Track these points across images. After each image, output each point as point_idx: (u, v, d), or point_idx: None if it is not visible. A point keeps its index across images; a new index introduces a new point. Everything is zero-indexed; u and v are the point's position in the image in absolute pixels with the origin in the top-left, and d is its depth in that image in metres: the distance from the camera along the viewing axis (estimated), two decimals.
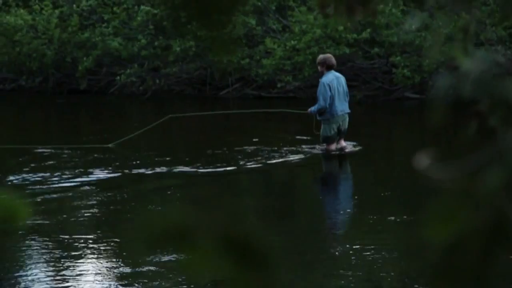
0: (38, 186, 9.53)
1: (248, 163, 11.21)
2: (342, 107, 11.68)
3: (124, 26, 20.08)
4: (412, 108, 17.58)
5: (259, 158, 11.55)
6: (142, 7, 19.47)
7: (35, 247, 6.85)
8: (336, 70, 18.95)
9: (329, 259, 6.66)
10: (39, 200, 8.77)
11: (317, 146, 12.08)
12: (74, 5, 20.45)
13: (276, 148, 12.17)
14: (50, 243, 7.01)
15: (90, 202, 8.82)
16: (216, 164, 11.08)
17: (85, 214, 8.30)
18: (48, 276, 6.06)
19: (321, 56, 11.96)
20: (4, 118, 17.97)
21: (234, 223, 1.05)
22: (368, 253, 6.73)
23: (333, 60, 11.72)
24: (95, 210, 8.51)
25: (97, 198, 9.02)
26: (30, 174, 10.21)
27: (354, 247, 6.88)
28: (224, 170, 10.77)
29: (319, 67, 11.72)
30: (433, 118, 1.31)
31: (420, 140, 13.40)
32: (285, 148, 12.21)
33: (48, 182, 9.80)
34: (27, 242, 7.01)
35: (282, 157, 11.88)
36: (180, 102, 18.66)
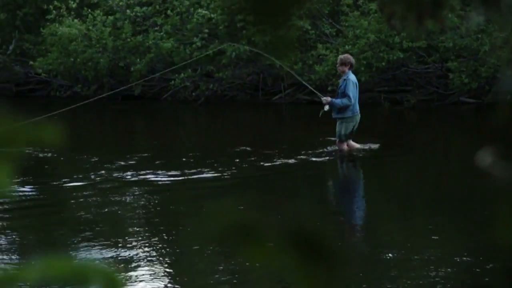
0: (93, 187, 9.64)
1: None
2: (358, 106, 12.08)
3: (177, 31, 20.22)
4: (468, 112, 17.32)
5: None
6: (198, 9, 19.54)
7: (89, 248, 6.89)
8: (392, 75, 18.83)
9: (385, 263, 6.58)
10: (95, 199, 8.87)
11: (328, 148, 12.23)
12: (128, 11, 20.68)
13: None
14: (106, 244, 7.05)
15: (146, 203, 8.88)
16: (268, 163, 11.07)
17: (141, 216, 8.34)
18: None
19: (344, 56, 12.21)
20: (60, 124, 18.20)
21: (299, 220, 1.03)
22: (426, 257, 6.63)
23: (353, 60, 12.21)
24: (151, 211, 8.55)
25: (152, 199, 9.07)
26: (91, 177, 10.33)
27: (413, 253, 6.78)
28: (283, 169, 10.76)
29: (342, 67, 11.94)
30: (498, 118, 1.25)
31: (476, 145, 13.18)
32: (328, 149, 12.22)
33: (104, 184, 9.90)
34: (83, 245, 7.07)
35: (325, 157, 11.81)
36: (233, 108, 18.72)
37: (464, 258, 6.63)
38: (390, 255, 6.67)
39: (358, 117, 12.00)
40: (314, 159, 12.11)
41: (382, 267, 6.43)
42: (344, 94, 11.81)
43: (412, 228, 7.83)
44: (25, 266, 0.97)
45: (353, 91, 11.77)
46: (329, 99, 12.01)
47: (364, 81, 18.21)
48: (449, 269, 6.38)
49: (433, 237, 7.34)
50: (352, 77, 11.92)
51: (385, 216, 8.52)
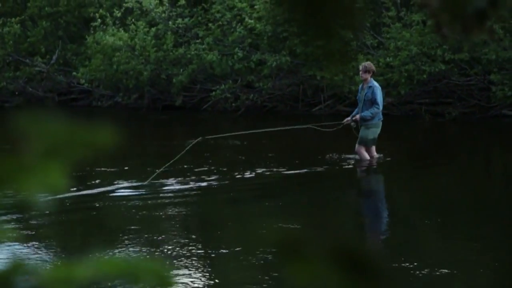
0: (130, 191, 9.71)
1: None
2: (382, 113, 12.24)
3: (218, 43, 20.32)
4: (510, 125, 17.11)
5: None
6: (246, 19, 19.58)
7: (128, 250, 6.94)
8: (433, 87, 18.66)
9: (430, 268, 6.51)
10: (137, 204, 8.93)
11: (352, 156, 12.28)
12: (170, 22, 20.85)
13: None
14: (145, 250, 7.09)
15: (186, 209, 8.91)
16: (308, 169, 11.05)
17: (181, 222, 8.37)
18: None
19: (367, 63, 12.27)
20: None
21: (343, 236, 1.02)
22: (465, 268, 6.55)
23: (375, 68, 12.35)
24: (191, 216, 8.58)
25: (191, 204, 9.11)
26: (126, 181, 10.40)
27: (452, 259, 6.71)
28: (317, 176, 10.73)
29: (365, 74, 11.99)
30: None
31: None
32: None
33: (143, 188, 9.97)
34: (123, 248, 7.11)
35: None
36: (272, 119, 18.71)
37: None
38: (434, 270, 6.60)
39: (381, 123, 12.19)
40: (354, 171, 12.05)
41: (427, 283, 6.36)
42: (372, 102, 11.95)
43: (453, 242, 7.75)
44: (77, 264, 0.98)
45: (380, 98, 11.97)
46: (357, 117, 12.14)
47: (404, 93, 18.12)
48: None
49: (475, 250, 7.25)
50: (377, 84, 12.12)
51: (426, 230, 8.43)
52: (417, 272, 6.52)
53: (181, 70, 20.44)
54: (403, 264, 6.71)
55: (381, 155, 12.52)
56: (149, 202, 9.62)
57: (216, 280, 6.28)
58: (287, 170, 11.61)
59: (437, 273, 6.53)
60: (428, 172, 11.99)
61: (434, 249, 7.40)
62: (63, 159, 0.87)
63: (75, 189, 10.22)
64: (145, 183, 10.50)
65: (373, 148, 12.28)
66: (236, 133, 13.64)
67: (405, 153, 14.03)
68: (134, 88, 21.31)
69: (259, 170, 11.53)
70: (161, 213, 8.91)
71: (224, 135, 13.09)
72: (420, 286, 6.26)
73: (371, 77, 12.00)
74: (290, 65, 19.33)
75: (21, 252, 6.97)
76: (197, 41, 20.48)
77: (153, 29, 20.89)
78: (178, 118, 20.05)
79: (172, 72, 20.65)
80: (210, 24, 20.44)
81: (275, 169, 11.71)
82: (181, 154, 11.22)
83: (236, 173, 11.34)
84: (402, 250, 7.31)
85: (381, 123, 12.13)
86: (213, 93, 20.15)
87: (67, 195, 10.07)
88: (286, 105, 20.14)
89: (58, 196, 9.53)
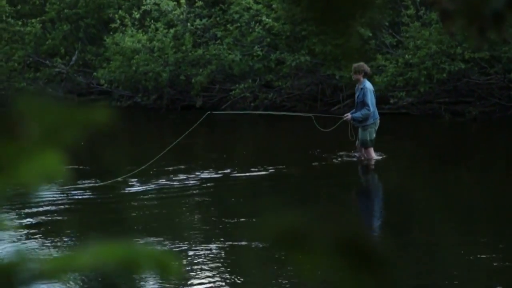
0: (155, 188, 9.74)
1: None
2: (377, 112, 12.24)
3: (236, 43, 20.33)
4: None
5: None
6: (264, 18, 19.57)
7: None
8: (453, 86, 18.63)
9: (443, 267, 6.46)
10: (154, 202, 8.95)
11: (354, 154, 12.28)
12: (188, 24, 20.88)
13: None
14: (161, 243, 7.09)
15: (203, 203, 8.92)
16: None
17: (199, 216, 8.38)
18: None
19: (358, 64, 12.14)
20: (121, 133, 18.47)
21: (347, 227, 1.01)
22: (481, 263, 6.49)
23: (368, 68, 12.28)
24: (209, 210, 8.58)
25: (206, 198, 9.11)
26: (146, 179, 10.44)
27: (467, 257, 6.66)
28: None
29: (356, 75, 12.01)
30: None
31: None
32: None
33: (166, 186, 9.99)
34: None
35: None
36: (290, 119, 18.68)
37: None
38: (453, 271, 6.55)
39: (378, 121, 12.14)
40: (372, 169, 12.00)
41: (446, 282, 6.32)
42: (363, 103, 11.93)
43: (472, 241, 7.68)
44: (78, 252, 0.97)
45: (371, 99, 11.92)
46: (349, 116, 12.17)
47: (423, 91, 18.02)
48: None
49: (494, 249, 7.19)
50: (368, 85, 12.04)
51: (444, 230, 8.37)
52: (437, 275, 6.47)
53: (200, 70, 20.47)
54: (421, 263, 6.67)
55: (379, 153, 12.42)
56: (164, 193, 9.69)
57: (236, 274, 6.27)
58: (296, 165, 11.65)
59: (454, 273, 6.48)
60: (447, 171, 11.91)
61: (450, 248, 7.35)
62: (60, 140, 0.86)
63: (93, 181, 10.29)
64: (160, 179, 10.53)
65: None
66: (243, 112, 13.82)
67: (425, 152, 13.96)
68: (153, 89, 21.36)
69: (268, 165, 11.63)
70: (176, 208, 8.92)
71: (231, 112, 13.23)
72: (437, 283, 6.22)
73: (363, 77, 11.92)
74: (309, 65, 19.29)
75: (32, 242, 7.00)
76: (216, 42, 20.49)
77: (172, 30, 20.93)
78: (197, 118, 20.07)
79: (191, 72, 20.67)
80: (228, 25, 20.44)
81: (283, 163, 11.73)
82: (188, 131, 11.43)
83: (252, 173, 11.35)
84: (417, 249, 7.26)
85: (377, 123, 12.09)
86: (232, 92, 20.16)
87: (81, 185, 10.14)
88: (305, 104, 20.10)
89: (70, 187, 9.58)
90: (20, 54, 23.18)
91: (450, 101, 18.55)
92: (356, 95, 12.17)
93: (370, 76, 16.04)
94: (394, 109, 18.57)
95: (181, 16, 21.02)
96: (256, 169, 11.70)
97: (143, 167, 10.74)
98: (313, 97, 20.05)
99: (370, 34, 18.64)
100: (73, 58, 23.44)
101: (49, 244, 7.16)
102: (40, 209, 8.59)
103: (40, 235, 7.55)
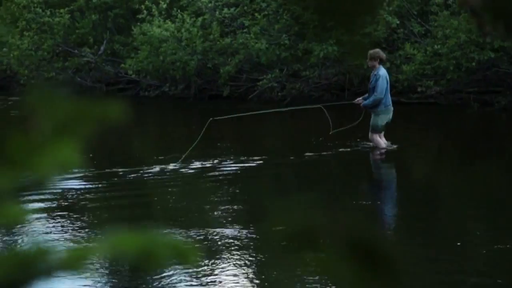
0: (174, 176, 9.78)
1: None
2: (391, 99, 12.27)
3: (264, 32, 20.30)
4: None
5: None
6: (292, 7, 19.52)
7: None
8: (482, 76, 18.42)
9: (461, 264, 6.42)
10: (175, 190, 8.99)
11: (366, 143, 12.37)
12: (216, 12, 20.89)
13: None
14: (185, 232, 7.12)
15: (228, 193, 8.94)
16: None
17: (223, 205, 8.39)
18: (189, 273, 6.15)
19: (374, 51, 12.17)
20: (149, 122, 18.58)
21: (359, 226, 1.01)
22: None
23: (383, 55, 12.28)
24: (233, 200, 8.60)
25: (233, 188, 9.13)
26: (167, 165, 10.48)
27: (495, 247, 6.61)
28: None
29: (371, 62, 12.04)
30: None
31: None
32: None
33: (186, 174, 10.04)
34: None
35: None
36: (318, 108, 18.63)
37: None
38: (483, 268, 6.51)
39: (391, 109, 12.15)
40: (399, 160, 11.94)
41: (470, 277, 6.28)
42: (374, 90, 12.08)
43: (502, 236, 7.62)
44: (96, 242, 0.98)
45: (381, 86, 11.94)
46: (360, 100, 12.39)
47: (452, 80, 17.87)
48: None
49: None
50: (383, 72, 12.05)
51: (473, 225, 8.31)
52: (463, 268, 6.44)
53: (228, 60, 20.48)
54: (450, 260, 6.63)
55: (389, 142, 12.46)
56: (191, 181, 9.74)
57: (258, 265, 6.28)
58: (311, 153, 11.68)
59: (484, 270, 6.44)
60: (476, 162, 11.82)
61: (479, 245, 7.30)
62: (73, 135, 0.87)
63: (120, 169, 10.37)
64: (184, 167, 10.59)
65: (382, 135, 12.28)
66: (247, 113, 13.87)
67: (453, 142, 13.86)
68: (181, 78, 21.42)
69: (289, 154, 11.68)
70: (202, 196, 8.95)
71: (234, 115, 13.26)
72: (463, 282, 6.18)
73: (379, 64, 11.96)
74: (337, 54, 19.22)
75: (54, 232, 7.06)
76: (244, 30, 20.49)
77: (199, 19, 20.96)
78: (224, 107, 20.09)
79: (218, 61, 20.70)
80: (256, 14, 20.42)
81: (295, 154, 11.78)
82: (197, 140, 11.47)
83: (274, 163, 11.35)
84: (443, 242, 7.22)
85: (390, 109, 12.11)
86: (260, 82, 20.16)
87: (108, 170, 10.22)
88: (332, 94, 20.04)
89: (96, 175, 9.66)
90: (49, 44, 23.35)
91: (479, 91, 18.38)
92: (370, 81, 12.26)
93: (397, 65, 15.99)
94: (422, 99, 18.45)
95: (209, 5, 21.03)
96: (283, 158, 11.73)
97: (185, 153, 10.79)
98: (340, 87, 19.98)
99: (398, 23, 18.52)
100: (102, 48, 23.57)
101: (73, 232, 7.22)
102: (66, 196, 8.67)
103: (64, 223, 7.61)
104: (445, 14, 18.17)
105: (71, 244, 6.31)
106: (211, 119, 11.74)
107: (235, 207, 8.65)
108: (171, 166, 10.94)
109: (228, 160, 11.55)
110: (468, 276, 6.13)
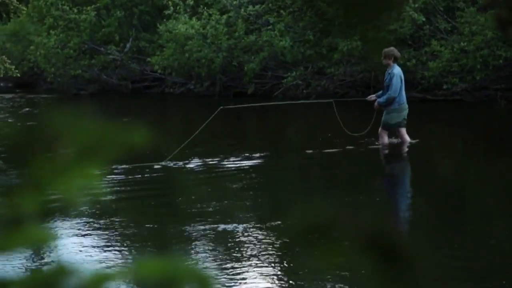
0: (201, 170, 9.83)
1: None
2: (405, 97, 12.23)
3: (289, 29, 20.29)
4: None
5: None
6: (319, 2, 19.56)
7: (200, 233, 7.00)
8: (509, 72, 18.19)
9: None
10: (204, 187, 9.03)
11: (394, 140, 12.30)
12: (242, 9, 20.91)
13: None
14: (215, 230, 7.14)
15: (253, 191, 8.95)
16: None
17: (249, 202, 8.41)
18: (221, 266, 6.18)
19: (388, 49, 12.14)
20: (173, 119, 18.65)
21: (375, 220, 1.01)
22: None
23: (398, 53, 12.27)
24: (259, 197, 8.61)
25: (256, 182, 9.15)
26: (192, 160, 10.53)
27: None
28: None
29: (385, 60, 12.04)
30: None
31: None
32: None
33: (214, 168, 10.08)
34: (192, 227, 7.18)
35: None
36: (343, 106, 18.60)
37: None
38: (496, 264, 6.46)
39: (406, 108, 12.13)
40: (425, 157, 11.89)
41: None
42: (388, 88, 12.09)
43: None
44: (117, 267, 0.99)
45: (395, 85, 11.93)
46: (373, 97, 12.40)
47: (479, 79, 17.74)
48: None
49: None
50: (397, 70, 12.03)
51: (501, 224, 8.25)
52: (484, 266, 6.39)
53: (253, 57, 20.50)
54: (478, 262, 6.58)
55: (417, 140, 12.39)
56: (214, 175, 9.79)
57: (284, 263, 6.29)
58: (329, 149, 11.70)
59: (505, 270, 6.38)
60: (503, 160, 11.73)
61: (508, 246, 7.24)
62: (98, 159, 0.88)
63: (140, 164, 10.44)
64: (211, 165, 10.63)
65: (404, 131, 12.22)
66: (257, 104, 13.94)
67: (479, 140, 13.76)
68: (206, 75, 21.47)
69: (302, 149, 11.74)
70: (227, 193, 8.98)
71: (244, 105, 13.35)
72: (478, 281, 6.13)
73: (393, 62, 11.97)
74: (361, 51, 19.15)
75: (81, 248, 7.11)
76: (268, 27, 20.49)
77: (225, 16, 20.98)
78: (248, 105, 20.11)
79: (243, 59, 20.72)
80: (281, 11, 20.42)
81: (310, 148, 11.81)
82: (202, 127, 11.59)
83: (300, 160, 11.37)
84: (471, 245, 7.17)
85: (403, 108, 12.07)
86: (285, 80, 20.15)
87: (138, 164, 10.30)
88: (357, 91, 19.98)
89: (121, 170, 9.72)
90: (75, 41, 23.51)
91: (506, 88, 18.23)
92: (385, 79, 12.29)
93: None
94: (448, 96, 18.34)
95: (234, 2, 21.05)
96: (305, 152, 11.77)
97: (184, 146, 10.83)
98: (365, 84, 19.92)
99: (424, 19, 18.41)
100: (127, 45, 23.69)
101: (98, 244, 7.27)
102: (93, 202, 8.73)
103: (89, 233, 7.66)
104: (472, 10, 18.03)
105: (96, 262, 6.33)
106: (221, 107, 11.88)
107: (259, 200, 8.66)
108: (193, 161, 11.00)
109: (252, 152, 11.59)
110: (501, 280, 6.09)
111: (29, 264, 6.08)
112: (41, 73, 25.52)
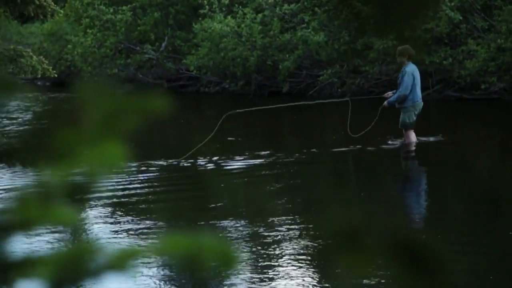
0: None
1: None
2: (420, 95, 12.19)
3: (324, 28, 20.24)
4: None
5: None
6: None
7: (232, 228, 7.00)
8: None
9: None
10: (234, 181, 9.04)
11: (398, 141, 12.27)
12: (277, 8, 20.90)
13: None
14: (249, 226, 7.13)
15: (285, 189, 8.94)
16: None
17: (280, 200, 8.40)
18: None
19: (402, 47, 12.07)
20: (207, 117, 18.70)
21: (402, 225, 1.00)
22: None
23: (413, 51, 12.15)
24: (290, 195, 8.59)
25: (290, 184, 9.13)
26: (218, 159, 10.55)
27: None
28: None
29: (400, 58, 12.05)
30: None
31: None
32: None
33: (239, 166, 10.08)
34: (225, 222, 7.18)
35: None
36: (378, 104, 18.49)
37: None
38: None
39: (420, 104, 12.10)
40: (462, 156, 11.77)
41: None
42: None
43: None
44: (144, 244, 0.99)
45: (406, 82, 11.93)
46: (390, 93, 12.39)
47: None
48: None
49: None
50: (409, 68, 12.00)
51: None
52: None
53: (287, 55, 20.48)
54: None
55: (432, 138, 12.37)
56: (245, 174, 9.81)
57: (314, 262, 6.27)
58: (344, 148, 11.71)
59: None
60: None
61: None
62: (120, 129, 0.88)
63: (171, 160, 10.48)
64: (240, 163, 10.64)
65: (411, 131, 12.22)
66: (264, 107, 13.98)
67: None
68: (241, 74, 21.50)
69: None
70: (257, 189, 8.98)
71: (251, 109, 13.38)
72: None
73: (408, 60, 11.92)
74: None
75: (111, 229, 7.15)
76: (303, 26, 20.46)
77: (260, 15, 21.00)
78: (284, 103, 20.10)
79: (278, 58, 20.71)
80: (316, 9, 20.37)
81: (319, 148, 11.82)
82: (212, 134, 11.61)
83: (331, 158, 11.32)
84: (508, 240, 7.08)
85: (417, 105, 12.04)
86: (320, 78, 20.10)
87: (169, 161, 10.34)
88: (392, 90, 19.86)
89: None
90: (111, 41, 23.69)
91: None
92: (398, 77, 12.30)
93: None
94: (485, 95, 18.14)
95: (270, 1, 21.06)
96: (340, 150, 11.76)
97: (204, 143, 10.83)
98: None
99: (461, 18, 18.23)
100: (163, 45, 23.81)
101: (125, 228, 7.31)
102: (117, 190, 8.76)
103: (116, 218, 7.71)
104: (510, 8, 17.82)
105: (122, 242, 6.38)
106: (227, 113, 11.93)
107: (294, 199, 8.64)
108: (222, 159, 11.02)
109: (285, 152, 11.58)
110: None
111: (57, 243, 6.14)
112: (78, 72, 25.77)
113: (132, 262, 0.99)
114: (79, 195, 0.96)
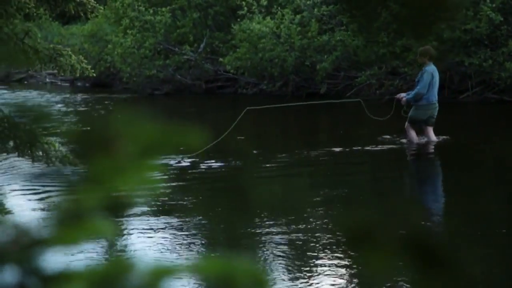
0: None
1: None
2: (437, 96, 12.34)
3: (362, 30, 20.17)
4: None
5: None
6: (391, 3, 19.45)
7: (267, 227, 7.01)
8: None
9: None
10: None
11: (403, 140, 12.42)
12: (315, 9, 20.88)
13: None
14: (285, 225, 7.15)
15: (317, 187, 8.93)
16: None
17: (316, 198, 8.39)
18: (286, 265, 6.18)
19: (424, 47, 12.36)
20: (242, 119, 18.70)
21: (415, 223, 1.01)
22: None
23: (434, 52, 12.42)
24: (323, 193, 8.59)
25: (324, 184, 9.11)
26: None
27: None
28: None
29: (421, 58, 12.30)
30: None
31: None
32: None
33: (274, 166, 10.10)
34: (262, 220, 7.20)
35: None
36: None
37: None
38: None
39: (435, 107, 12.24)
40: (498, 159, 11.64)
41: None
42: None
43: None
44: (179, 264, 1.02)
45: (425, 81, 12.09)
46: (402, 95, 12.54)
47: None
48: None
49: None
50: (429, 68, 12.17)
51: None
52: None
53: (325, 57, 20.45)
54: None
55: (445, 137, 12.45)
56: (273, 173, 9.84)
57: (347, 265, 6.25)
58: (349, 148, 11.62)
59: None
60: None
61: None
62: (154, 159, 0.91)
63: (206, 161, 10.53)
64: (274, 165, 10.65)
65: (431, 130, 12.31)
66: (283, 105, 14.16)
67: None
68: (278, 75, 21.51)
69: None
70: (296, 190, 8.98)
71: (270, 106, 13.59)
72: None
73: (429, 60, 12.12)
74: (436, 51, 18.90)
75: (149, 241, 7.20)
76: (341, 27, 20.41)
77: (298, 16, 21.00)
78: (322, 105, 20.06)
79: (316, 59, 20.69)
80: (354, 11, 20.31)
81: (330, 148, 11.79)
82: (229, 130, 11.77)
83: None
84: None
85: (431, 106, 12.19)
86: (358, 79, 20.04)
87: (193, 159, 10.40)
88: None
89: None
90: (151, 42, 23.86)
91: None
92: (417, 76, 12.46)
93: (500, 62, 15.63)
94: None
95: (308, 2, 21.04)
96: (371, 149, 11.73)
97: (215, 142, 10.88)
98: (440, 84, 19.60)
99: (501, 19, 18.03)
100: (202, 46, 23.91)
101: (159, 241, 7.36)
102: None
103: (151, 228, 7.76)
104: None
105: (158, 257, 6.41)
106: (247, 108, 12.19)
107: (329, 199, 8.64)
108: (259, 158, 11.06)
109: (313, 150, 11.61)
110: None
111: (92, 259, 6.20)
112: (117, 73, 25.99)
113: (165, 281, 1.01)
114: (116, 211, 0.99)
